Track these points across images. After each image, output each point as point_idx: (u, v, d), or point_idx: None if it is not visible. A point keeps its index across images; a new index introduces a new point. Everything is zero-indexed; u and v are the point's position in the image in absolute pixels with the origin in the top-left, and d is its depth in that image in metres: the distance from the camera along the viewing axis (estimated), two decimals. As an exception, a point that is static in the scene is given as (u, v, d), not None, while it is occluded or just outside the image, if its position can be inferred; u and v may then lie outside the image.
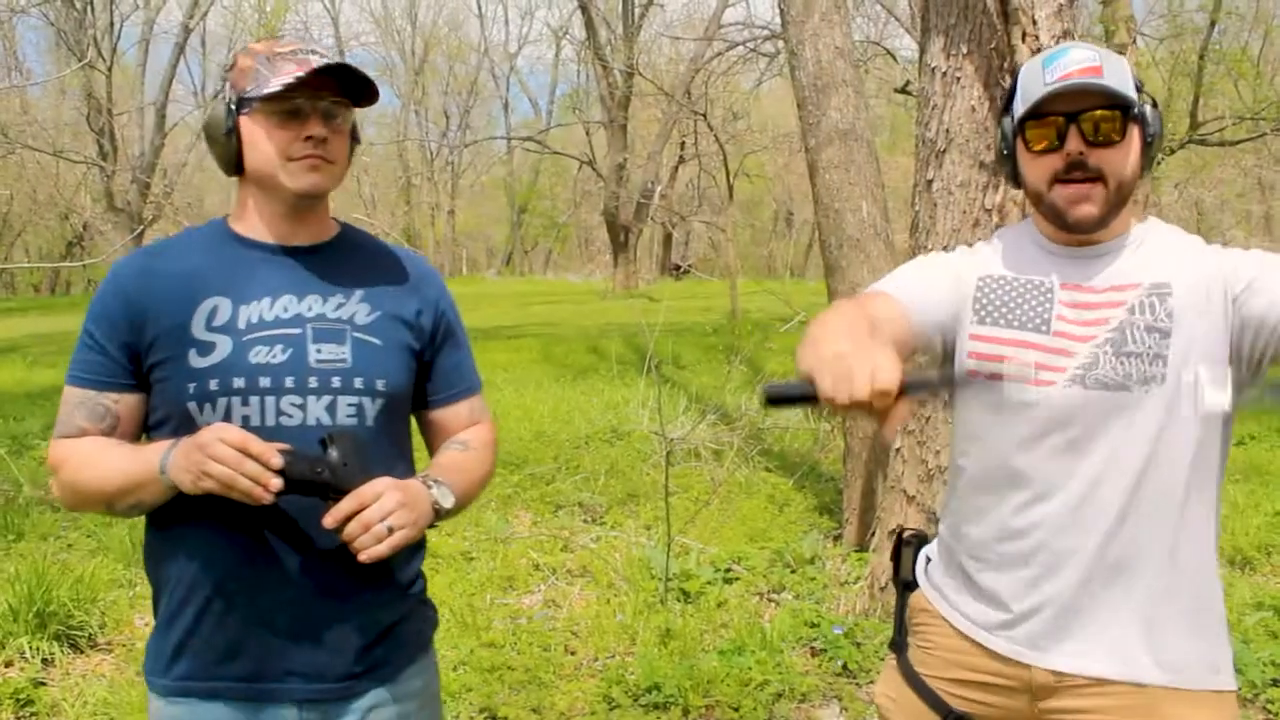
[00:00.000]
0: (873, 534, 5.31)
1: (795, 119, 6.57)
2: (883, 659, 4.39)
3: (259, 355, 1.73)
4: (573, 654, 4.56)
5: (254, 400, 1.72)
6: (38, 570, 5.06)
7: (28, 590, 4.79)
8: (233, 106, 1.79)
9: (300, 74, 1.72)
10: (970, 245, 2.02)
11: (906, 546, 2.05)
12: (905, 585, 2.04)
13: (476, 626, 4.71)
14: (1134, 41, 17.11)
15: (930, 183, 4.30)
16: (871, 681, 4.23)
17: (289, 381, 1.74)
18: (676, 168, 35.95)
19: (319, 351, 1.77)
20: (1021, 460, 1.82)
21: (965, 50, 4.11)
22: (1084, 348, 1.79)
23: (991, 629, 1.87)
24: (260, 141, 1.77)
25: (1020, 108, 1.84)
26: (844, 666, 4.32)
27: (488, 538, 5.90)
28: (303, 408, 1.74)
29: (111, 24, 30.86)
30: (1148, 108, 1.82)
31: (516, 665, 4.38)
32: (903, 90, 12.22)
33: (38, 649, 4.54)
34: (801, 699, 4.11)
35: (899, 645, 2.02)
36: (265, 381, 1.72)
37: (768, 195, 42.76)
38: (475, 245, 58.79)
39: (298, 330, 1.77)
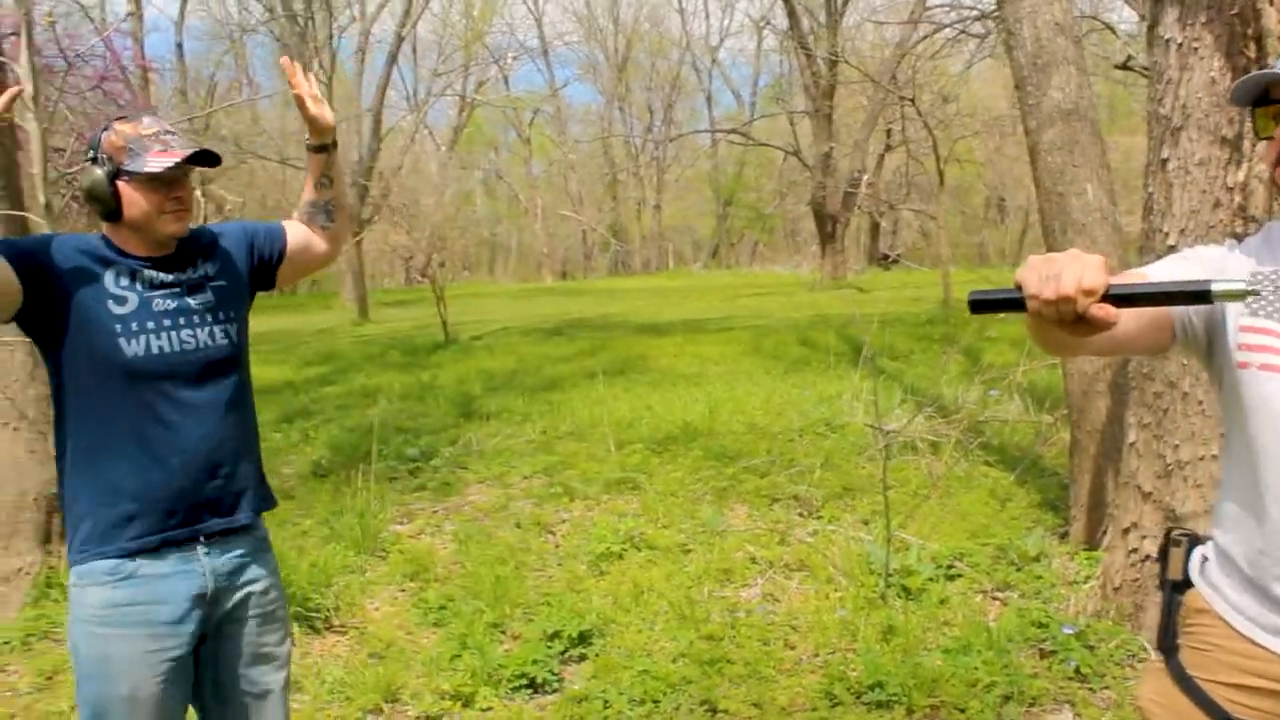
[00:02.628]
0: (1104, 532, 5.08)
1: (1006, 101, 6.35)
2: (1118, 663, 4.21)
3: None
4: (792, 649, 4.52)
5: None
6: (279, 554, 5.32)
7: (270, 573, 5.05)
8: (113, 174, 2.39)
9: (175, 160, 2.38)
10: (1224, 241, 1.90)
11: (1175, 546, 1.94)
12: (1175, 585, 1.93)
13: (695, 619, 4.71)
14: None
15: (1165, 162, 4.08)
16: (1106, 687, 4.06)
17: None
18: (883, 155, 35.33)
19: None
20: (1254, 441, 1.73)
21: (1204, 19, 3.88)
22: None
23: None
24: (139, 201, 2.41)
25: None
26: (1076, 670, 4.15)
27: (704, 530, 5.91)
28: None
29: (330, 36, 32.20)
30: None
31: (736, 659, 4.36)
32: (1123, 66, 11.64)
33: (281, 629, 4.77)
34: (1031, 702, 3.96)
35: (1168, 647, 1.91)
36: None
37: (979, 181, 41.61)
38: (681, 239, 59.15)
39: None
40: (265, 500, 2.71)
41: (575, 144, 55.23)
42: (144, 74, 27.38)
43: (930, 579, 5.02)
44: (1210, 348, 1.84)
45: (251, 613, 2.58)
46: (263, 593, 2.62)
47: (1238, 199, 3.95)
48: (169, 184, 2.43)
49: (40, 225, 5.49)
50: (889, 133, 32.86)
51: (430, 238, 20.04)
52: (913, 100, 18.80)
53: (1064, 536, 5.67)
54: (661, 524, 6.09)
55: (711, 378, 11.05)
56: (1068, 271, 1.45)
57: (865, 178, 30.93)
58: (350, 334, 21.79)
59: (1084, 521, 5.51)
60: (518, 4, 66.61)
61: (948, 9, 22.23)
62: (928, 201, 30.21)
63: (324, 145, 2.71)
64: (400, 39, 34.11)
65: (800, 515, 6.25)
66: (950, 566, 5.21)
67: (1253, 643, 1.79)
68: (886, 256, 38.35)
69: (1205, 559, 1.92)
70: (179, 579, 2.44)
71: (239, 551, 2.58)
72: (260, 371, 13.84)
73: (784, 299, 24.20)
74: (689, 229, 59.39)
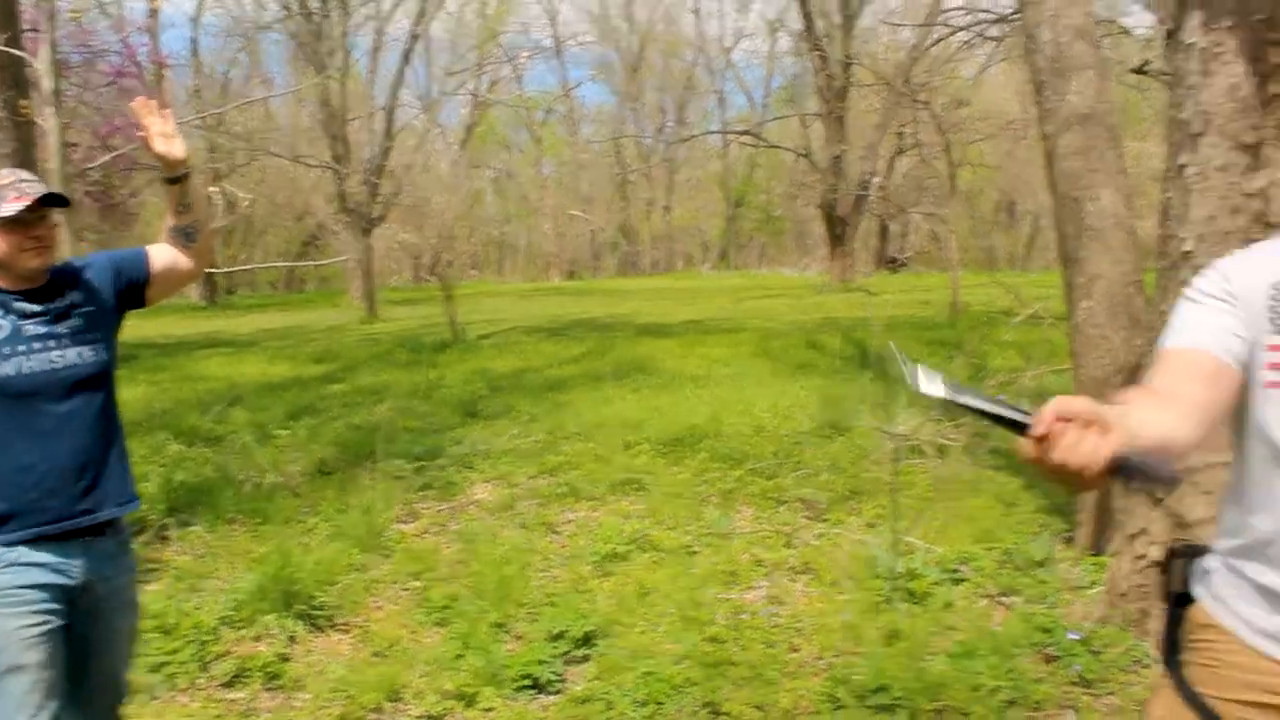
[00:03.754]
0: (1110, 538, 5.05)
1: (1019, 105, 6.30)
2: (1124, 669, 4.18)
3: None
4: (796, 651, 4.50)
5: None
6: (282, 552, 5.32)
7: (274, 571, 5.05)
8: None
9: (26, 204, 2.67)
10: (1223, 269, 1.85)
11: (1178, 558, 1.91)
12: (1178, 599, 1.90)
13: (699, 621, 4.70)
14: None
15: (1183, 168, 4.04)
16: (1111, 693, 4.04)
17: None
18: (894, 158, 35.28)
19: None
20: None
21: (1228, 23, 3.84)
22: None
23: None
24: (0, 242, 2.69)
25: None
26: (1081, 675, 4.13)
27: (709, 532, 5.89)
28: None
29: (345, 34, 32.20)
30: None
31: (740, 661, 4.34)
32: (1139, 70, 11.59)
33: (283, 626, 4.76)
34: (1035, 707, 3.94)
35: (1174, 663, 1.88)
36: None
37: (989, 185, 41.53)
38: (690, 240, 59.09)
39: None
40: (129, 501, 2.94)
41: (587, 144, 55.19)
42: (159, 70, 27.46)
43: (935, 583, 5.00)
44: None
45: (112, 602, 2.90)
46: (124, 585, 2.95)
47: (1256, 205, 3.91)
48: (26, 225, 2.71)
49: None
50: (900, 136, 32.81)
51: (439, 236, 20.06)
52: (926, 103, 18.75)
53: (1070, 541, 5.64)
54: (667, 525, 6.08)
55: (718, 379, 11.03)
56: (1079, 451, 1.40)
57: (876, 180, 30.87)
58: (358, 332, 21.78)
59: (1090, 527, 5.48)
60: (532, 3, 66.55)
61: (964, 12, 22.19)
62: (938, 205, 30.15)
63: (176, 177, 2.91)
64: (415, 37, 34.08)
65: (806, 518, 6.23)
66: (956, 570, 5.19)
67: (1262, 656, 1.77)
68: (895, 260, 38.29)
69: (1208, 571, 1.89)
70: (51, 570, 2.73)
71: (104, 548, 2.86)
72: (267, 368, 13.96)
73: (792, 301, 24.17)
74: (698, 230, 59.30)
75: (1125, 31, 16.10)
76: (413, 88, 45.70)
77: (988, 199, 44.17)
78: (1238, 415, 1.82)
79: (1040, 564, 5.28)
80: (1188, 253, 3.96)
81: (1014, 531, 5.78)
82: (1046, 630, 4.45)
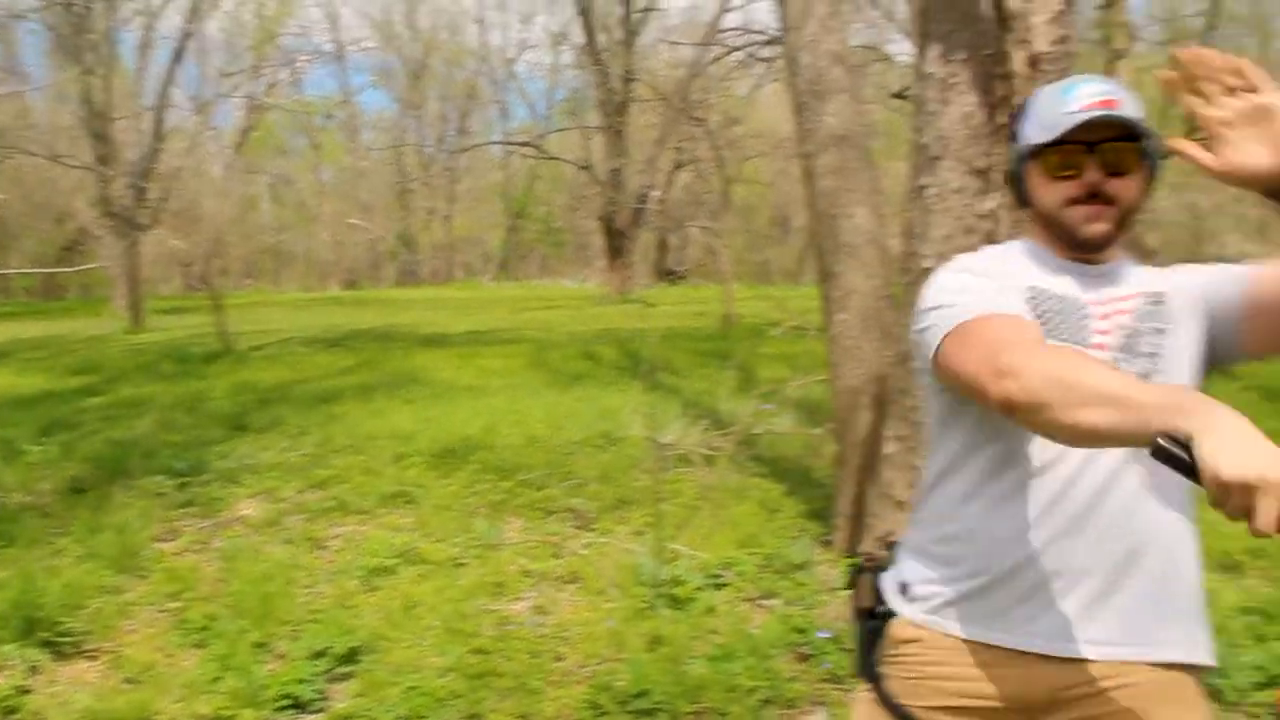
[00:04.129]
0: (859, 538, 5.28)
1: (791, 124, 6.54)
2: (872, 666, 4.36)
3: None
4: (561, 660, 4.54)
5: None
6: (25, 576, 5.05)
7: (14, 596, 4.79)
8: None
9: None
10: (974, 265, 1.97)
11: (866, 574, 2.01)
12: (871, 614, 2.00)
13: (464, 633, 4.69)
14: (1131, 46, 17.16)
15: (924, 188, 4.28)
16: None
17: None
18: (673, 173, 35.94)
19: None
20: (1038, 467, 1.84)
21: (963, 56, 4.09)
22: (1103, 355, 1.85)
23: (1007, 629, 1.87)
24: None
25: (1037, 134, 1.88)
26: (831, 672, 4.31)
27: (478, 544, 5.87)
28: None
29: (110, 28, 30.72)
30: (1154, 141, 1.88)
31: (504, 671, 4.36)
32: (899, 95, 12.20)
33: (23, 656, 4.52)
34: (789, 704, 4.09)
35: (872, 675, 1.98)
36: None
37: (764, 201, 42.76)
38: (471, 250, 58.72)
39: None
40: None
41: (367, 151, 54.29)
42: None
43: (699, 588, 5.12)
44: None
45: None
46: None
47: (988, 225, 4.18)
48: None
49: None
50: (679, 150, 33.46)
51: (209, 243, 19.39)
52: (701, 120, 19.18)
53: (828, 544, 5.87)
54: (436, 538, 6.03)
55: (493, 390, 11.00)
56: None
57: (655, 194, 31.39)
58: (122, 342, 20.83)
59: (846, 530, 5.72)
60: (313, 6, 64.93)
61: (739, 32, 22.82)
62: (713, 219, 30.87)
63: None
64: (187, 35, 32.80)
65: (575, 527, 6.28)
66: (718, 576, 5.32)
67: (963, 650, 1.88)
68: (673, 272, 39.00)
69: (905, 585, 1.99)
70: None
71: None
72: (18, 381, 13.20)
73: (571, 312, 24.33)
74: (479, 240, 58.99)
75: (888, 58, 16.87)
76: (185, 88, 44.09)
77: (762, 214, 45.45)
78: (955, 409, 1.92)
79: (800, 567, 5.47)
80: (927, 269, 4.18)
81: (776, 536, 5.97)
82: (801, 631, 4.62)
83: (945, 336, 1.80)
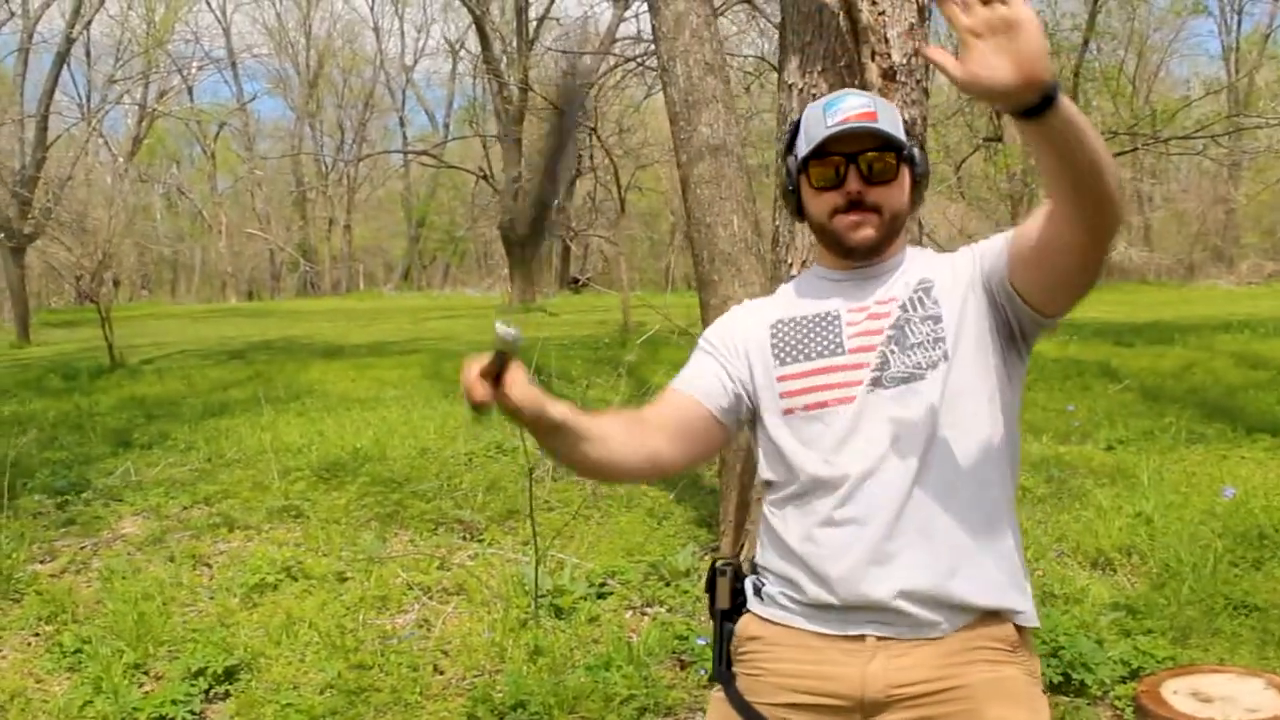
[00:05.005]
0: (743, 545, 5.35)
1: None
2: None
3: None
4: (441, 673, 4.54)
5: None
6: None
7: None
8: None
9: None
10: (723, 325, 2.16)
11: (721, 576, 2.07)
12: (724, 614, 2.06)
13: (345, 648, 4.66)
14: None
15: (789, 198, 4.36)
16: (739, 692, 4.26)
17: None
18: (574, 181, 35.95)
19: None
20: (826, 469, 1.94)
21: (820, 68, 4.18)
22: (872, 355, 1.95)
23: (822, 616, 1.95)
24: None
25: (803, 148, 1.99)
26: (710, 678, 4.35)
27: (363, 558, 5.83)
28: None
29: (-16, 31, 29.81)
30: (916, 150, 2.00)
31: (383, 686, 4.34)
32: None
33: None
34: (667, 712, 4.13)
35: (724, 676, 2.03)
36: None
37: (665, 208, 42.93)
38: (373, 260, 58.18)
39: None
40: None
41: (262, 160, 53.51)
42: None
43: (582, 598, 5.14)
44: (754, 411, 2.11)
45: None
46: None
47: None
48: None
49: None
50: (579, 159, 33.48)
51: (99, 254, 18.92)
52: (595, 129, 19.24)
53: (714, 551, 5.92)
54: (321, 552, 5.98)
55: (387, 402, 10.93)
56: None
57: (555, 203, 31.34)
58: (6, 358, 20.31)
59: (731, 537, 5.77)
60: (204, 12, 63.87)
61: (633, 42, 22.90)
62: (613, 227, 30.94)
63: None
64: (70, 40, 32.01)
65: (463, 539, 6.27)
66: (603, 585, 5.35)
67: (802, 645, 1.95)
68: (577, 280, 38.95)
69: (760, 586, 2.06)
70: None
71: None
72: (-112, 399, 12.76)
73: (473, 322, 24.21)
74: (381, 250, 58.48)
75: (775, 68, 17.06)
76: (71, 93, 43.03)
77: (664, 221, 45.62)
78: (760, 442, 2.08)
79: (684, 574, 5.51)
80: (794, 276, 4.26)
81: (662, 544, 6.02)
82: (683, 638, 4.67)
83: None
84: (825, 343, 1.99)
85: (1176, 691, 3.99)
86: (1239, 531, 5.76)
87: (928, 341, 1.93)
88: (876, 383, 1.93)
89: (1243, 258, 38.53)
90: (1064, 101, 1.54)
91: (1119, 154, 18.23)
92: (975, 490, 1.94)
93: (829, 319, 2.01)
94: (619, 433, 1.96)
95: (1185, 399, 9.84)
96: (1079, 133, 1.57)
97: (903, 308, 1.96)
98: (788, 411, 1.98)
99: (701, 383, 2.05)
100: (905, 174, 1.98)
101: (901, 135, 1.96)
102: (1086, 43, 18.20)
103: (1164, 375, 11.42)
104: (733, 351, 2.07)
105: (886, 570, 1.89)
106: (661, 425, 2.00)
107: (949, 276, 1.98)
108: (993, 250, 1.94)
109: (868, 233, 1.95)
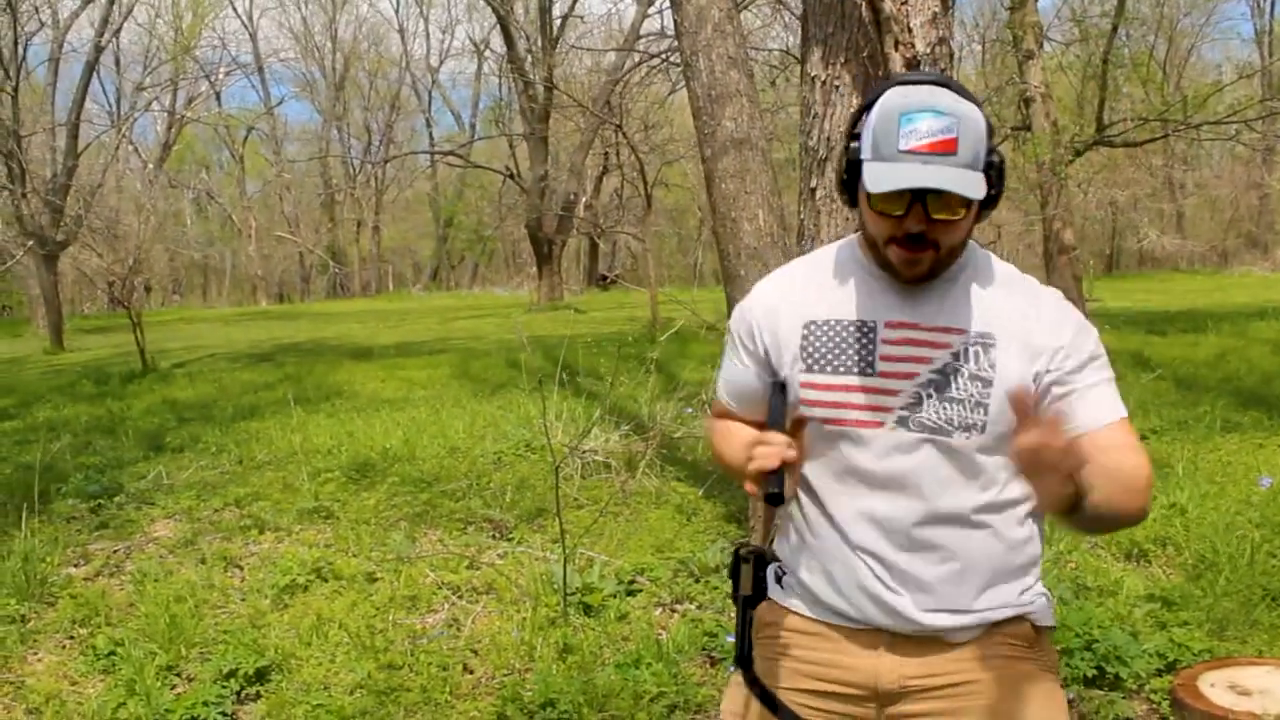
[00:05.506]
0: (772, 540, 5.32)
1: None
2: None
3: None
4: (471, 673, 4.53)
5: None
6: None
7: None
8: None
9: None
10: (754, 310, 2.06)
11: (744, 563, 2.05)
12: (747, 600, 2.04)
13: (375, 649, 4.66)
14: (1041, 47, 17.44)
15: (814, 190, 4.33)
16: (770, 689, 4.24)
17: None
18: (600, 179, 36.00)
19: None
20: (836, 488, 1.96)
21: (843, 59, 4.15)
22: (907, 385, 1.87)
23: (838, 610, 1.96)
24: None
25: (868, 155, 1.82)
26: (734, 662, 4.33)
27: (392, 558, 5.84)
28: None
29: (16, 41, 30.09)
30: (995, 165, 1.83)
31: (413, 686, 4.34)
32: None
33: (-81, 688, 4.44)
34: (697, 710, 4.11)
35: (744, 661, 2.02)
36: None
37: (692, 204, 42.92)
38: (401, 261, 58.45)
39: None
40: None
41: (290, 163, 53.82)
42: None
43: (611, 595, 5.12)
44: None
45: None
46: None
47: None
48: None
49: None
50: (605, 156, 33.51)
51: (131, 260, 19.05)
52: (620, 126, 19.24)
53: (745, 548, 5.89)
54: (351, 553, 6.00)
55: (416, 402, 10.96)
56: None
57: (582, 200, 31.41)
58: (40, 363, 20.50)
59: (761, 531, 5.74)
60: (230, 18, 64.39)
61: (657, 37, 22.89)
62: (640, 224, 30.95)
63: None
64: (99, 49, 32.27)
65: (492, 538, 6.27)
66: (632, 582, 5.33)
67: (818, 636, 1.96)
68: (605, 277, 39.02)
69: (781, 575, 2.05)
70: None
71: None
72: (-73, 407, 12.89)
73: (500, 320, 24.27)
74: (409, 251, 58.74)
75: (799, 60, 17.00)
76: (101, 102, 43.41)
77: (692, 216, 45.61)
78: None
79: (714, 570, 5.49)
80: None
81: (692, 541, 6.00)
82: (712, 635, 4.65)
83: (716, 397, 2.18)
84: (856, 358, 1.91)
85: (1214, 684, 3.95)
86: (1276, 521, 5.68)
87: (969, 402, 1.85)
88: (903, 422, 1.87)
89: (1277, 244, 38.10)
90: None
91: (1149, 141, 18.07)
92: (1001, 517, 1.92)
93: (864, 330, 1.91)
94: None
95: (1220, 387, 9.73)
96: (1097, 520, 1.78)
97: (955, 355, 1.87)
98: (802, 418, 1.93)
99: (751, 392, 2.06)
100: (975, 205, 1.83)
101: (982, 157, 1.80)
102: (1115, 29, 17.99)
103: (1198, 364, 11.29)
104: (766, 354, 2.01)
105: (903, 593, 1.91)
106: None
107: (1017, 343, 1.87)
108: (1060, 391, 1.87)
109: (920, 269, 1.84)
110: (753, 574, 2.02)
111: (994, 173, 1.83)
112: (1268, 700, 3.80)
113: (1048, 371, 1.85)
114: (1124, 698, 4.05)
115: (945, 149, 1.75)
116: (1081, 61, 19.04)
